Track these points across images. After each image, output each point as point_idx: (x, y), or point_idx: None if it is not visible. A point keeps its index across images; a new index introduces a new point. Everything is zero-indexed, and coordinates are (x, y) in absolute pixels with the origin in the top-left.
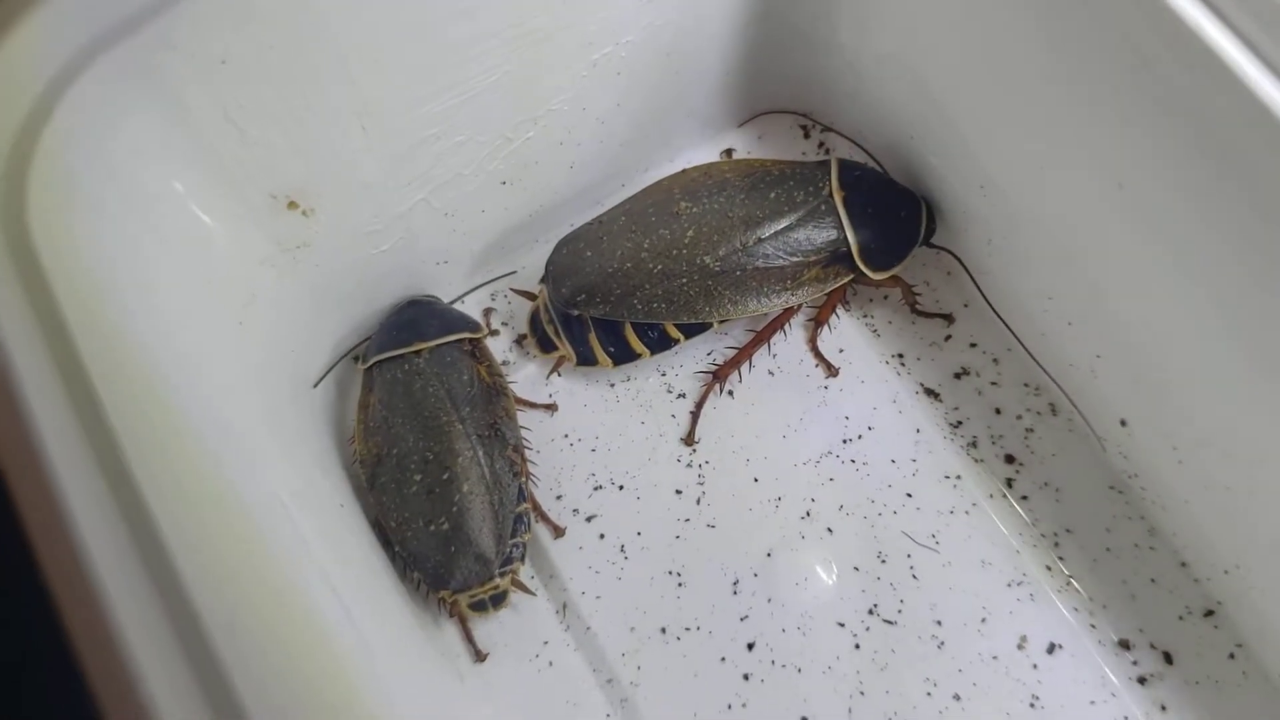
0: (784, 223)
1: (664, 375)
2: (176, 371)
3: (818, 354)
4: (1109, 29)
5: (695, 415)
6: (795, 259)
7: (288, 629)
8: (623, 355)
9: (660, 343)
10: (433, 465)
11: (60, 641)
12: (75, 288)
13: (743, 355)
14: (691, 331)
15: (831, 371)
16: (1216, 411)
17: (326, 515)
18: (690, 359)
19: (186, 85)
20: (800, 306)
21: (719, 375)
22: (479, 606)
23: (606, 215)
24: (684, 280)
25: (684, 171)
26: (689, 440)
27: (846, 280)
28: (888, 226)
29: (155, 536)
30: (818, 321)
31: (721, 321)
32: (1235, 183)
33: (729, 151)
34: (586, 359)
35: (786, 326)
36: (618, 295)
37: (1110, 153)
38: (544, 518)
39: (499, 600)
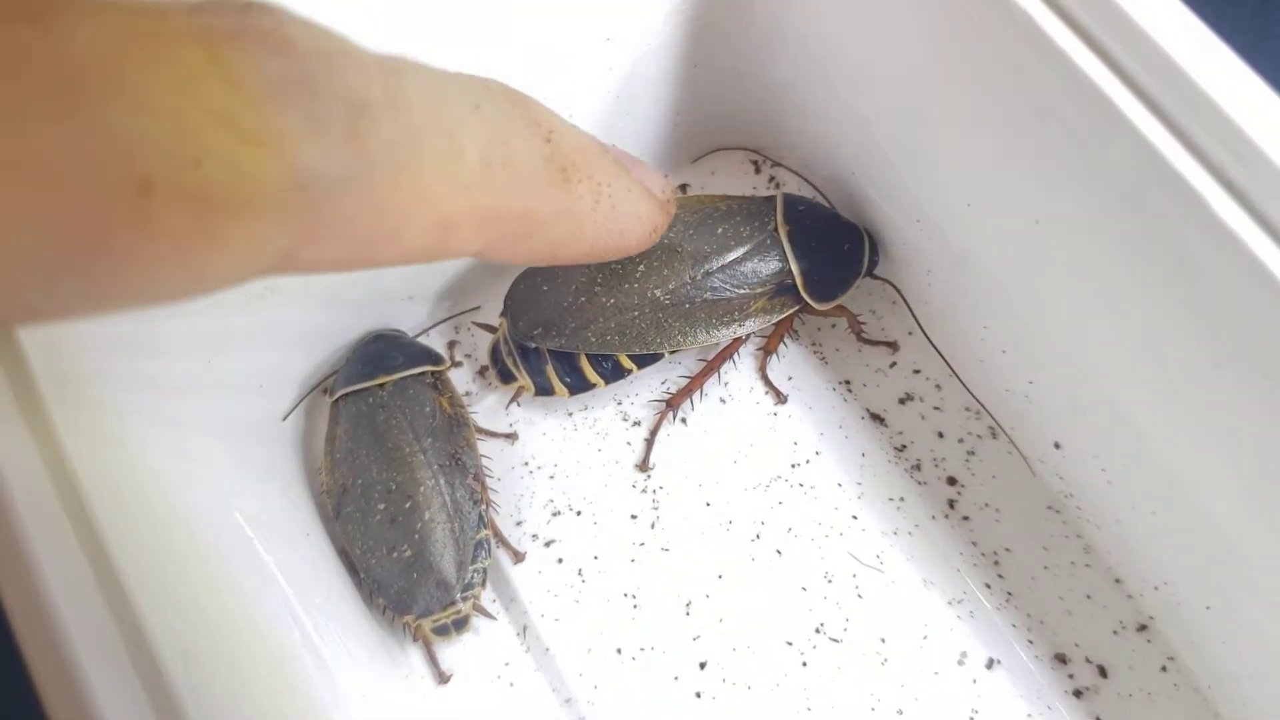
0: (731, 256)
1: (620, 404)
2: (138, 404)
3: (767, 381)
4: (1015, 80)
5: (649, 442)
6: (742, 291)
7: (247, 657)
8: (579, 385)
9: (614, 373)
10: (395, 495)
11: (15, 667)
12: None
13: (694, 384)
14: (644, 362)
15: (780, 398)
16: (1134, 436)
17: (293, 545)
18: (645, 388)
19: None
20: (749, 336)
21: (672, 404)
22: (442, 631)
23: None
24: (635, 313)
25: None
26: (643, 466)
27: (793, 311)
28: (831, 259)
29: (110, 564)
30: (766, 350)
31: (673, 352)
32: (1135, 217)
33: (683, 187)
34: (544, 389)
35: (736, 356)
36: (572, 328)
37: (1024, 192)
38: (504, 543)
39: (461, 624)
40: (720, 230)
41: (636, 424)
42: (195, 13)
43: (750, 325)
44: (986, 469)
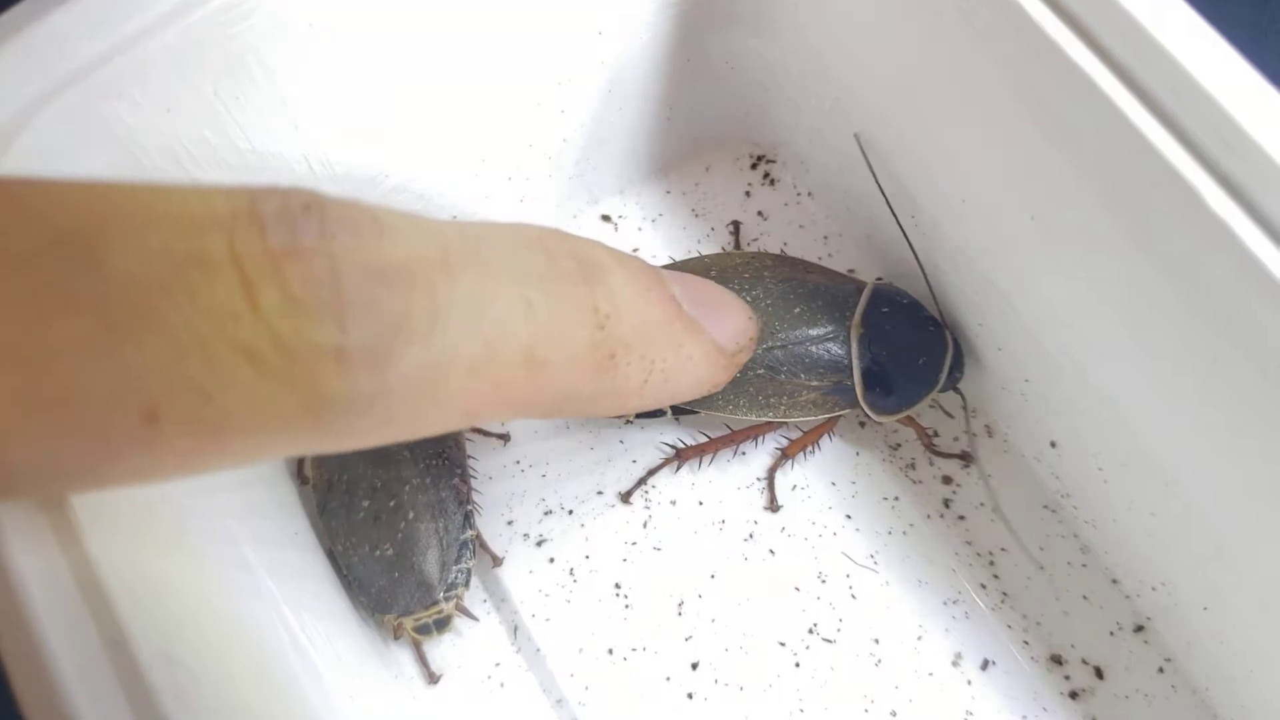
0: (797, 338)
1: None
2: None
3: (771, 484)
4: (1009, 74)
5: (642, 480)
6: (798, 378)
7: (233, 659)
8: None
9: (650, 411)
10: (380, 493)
11: None
12: None
13: (709, 448)
14: (680, 410)
15: (774, 506)
16: (1131, 435)
17: (281, 544)
18: None
19: (134, 133)
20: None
21: (681, 455)
22: (423, 630)
23: None
24: None
25: (728, 254)
26: (626, 498)
27: (841, 414)
28: (901, 371)
29: (89, 564)
30: (785, 453)
31: (707, 412)
32: (1130, 212)
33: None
34: None
35: (762, 438)
36: None
37: (1019, 187)
38: (484, 547)
39: (443, 624)
40: (798, 309)
41: (629, 422)
42: (245, 223)
43: (794, 414)
44: (982, 468)
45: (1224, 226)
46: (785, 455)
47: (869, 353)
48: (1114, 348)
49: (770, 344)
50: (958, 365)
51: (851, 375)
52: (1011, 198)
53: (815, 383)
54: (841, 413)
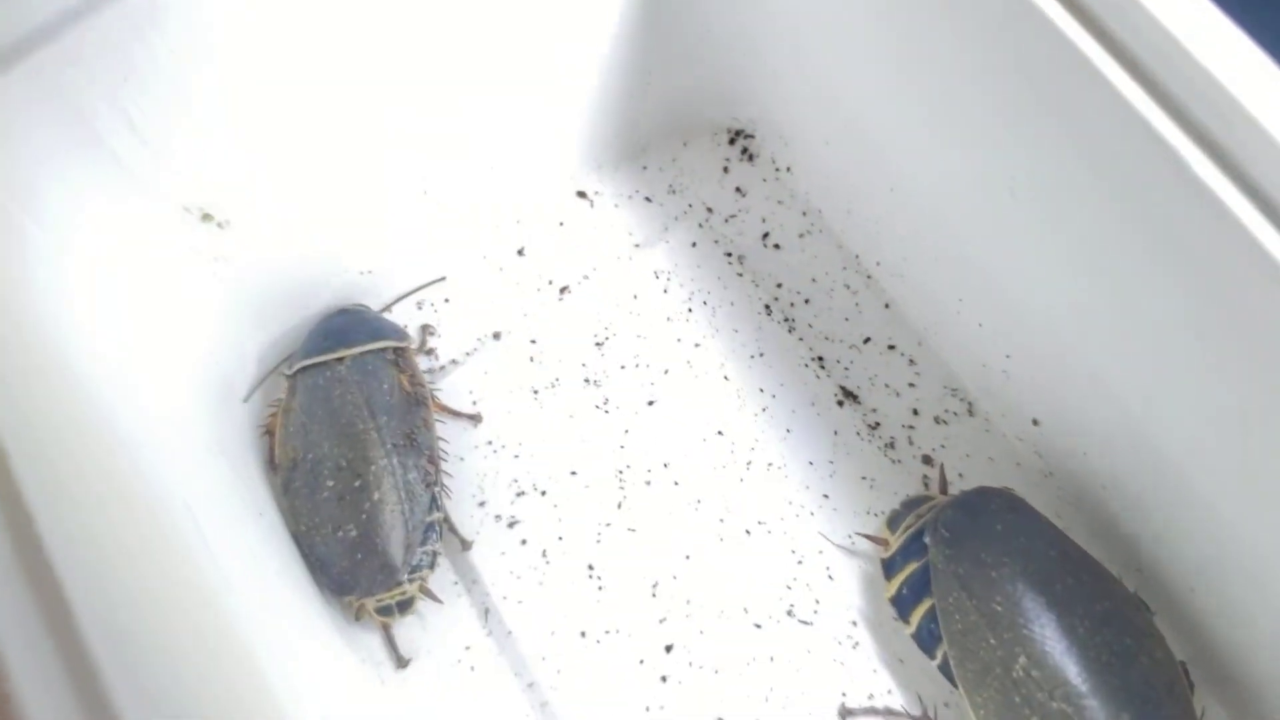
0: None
1: (589, 381)
2: (89, 378)
3: None
4: (995, 42)
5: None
6: None
7: (192, 640)
8: (921, 641)
9: (925, 641)
10: (345, 472)
11: None
12: None
13: None
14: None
15: None
16: (1114, 411)
17: (245, 524)
18: (616, 367)
19: (92, 100)
20: None
21: None
22: (385, 612)
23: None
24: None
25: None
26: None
27: None
28: None
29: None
30: None
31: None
32: (1114, 182)
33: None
34: (899, 604)
35: None
36: (1001, 637)
37: (1001, 160)
38: (453, 530)
39: (406, 606)
40: (1111, 681)
41: (606, 401)
42: None
43: None
44: (962, 447)
45: (1211, 195)
46: None
47: None
48: (1098, 322)
49: (1063, 700)
50: None
51: None
52: (993, 171)
53: None
54: None
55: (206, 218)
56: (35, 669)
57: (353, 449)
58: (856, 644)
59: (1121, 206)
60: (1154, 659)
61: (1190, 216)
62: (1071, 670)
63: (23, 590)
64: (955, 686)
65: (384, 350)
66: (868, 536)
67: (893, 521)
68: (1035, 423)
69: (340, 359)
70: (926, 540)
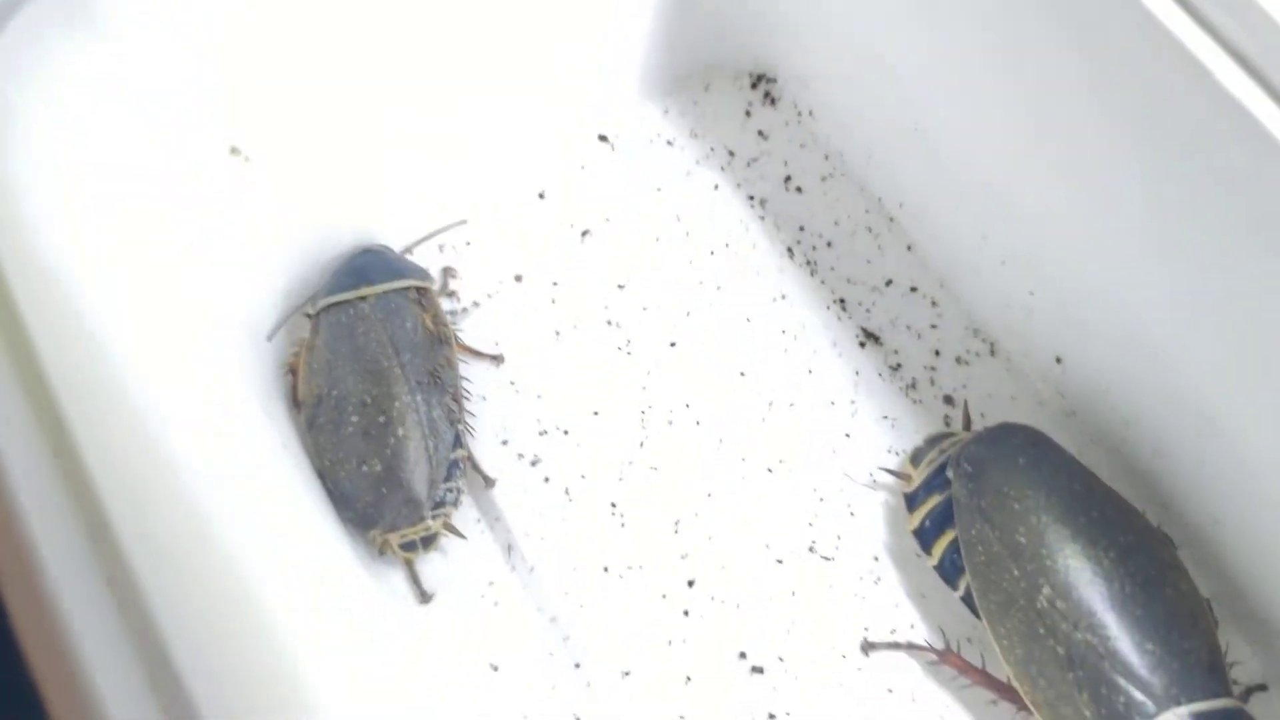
0: (1117, 650)
1: (610, 324)
2: (112, 318)
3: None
4: None
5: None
6: (1078, 694)
7: (217, 577)
8: (944, 572)
9: (948, 573)
10: (370, 408)
11: None
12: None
13: (972, 674)
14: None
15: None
16: (1138, 345)
17: (269, 460)
18: (638, 308)
19: (123, 24)
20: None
21: (944, 658)
22: (409, 547)
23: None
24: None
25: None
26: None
27: None
28: None
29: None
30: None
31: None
32: (1139, 99)
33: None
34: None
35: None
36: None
37: (1029, 92)
38: (475, 467)
39: (429, 542)
40: (1139, 613)
41: (628, 343)
42: None
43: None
44: (984, 387)
45: (1239, 106)
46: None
47: None
48: (1123, 252)
49: (1088, 631)
50: None
51: None
52: (1018, 104)
53: (1088, 715)
54: None
55: (234, 151)
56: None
57: (377, 385)
58: (878, 579)
59: (1146, 124)
60: (1178, 591)
61: (1218, 129)
62: (1096, 601)
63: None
64: (978, 619)
65: (407, 289)
66: (890, 471)
67: (916, 456)
68: (1058, 361)
69: (364, 297)
70: (949, 474)
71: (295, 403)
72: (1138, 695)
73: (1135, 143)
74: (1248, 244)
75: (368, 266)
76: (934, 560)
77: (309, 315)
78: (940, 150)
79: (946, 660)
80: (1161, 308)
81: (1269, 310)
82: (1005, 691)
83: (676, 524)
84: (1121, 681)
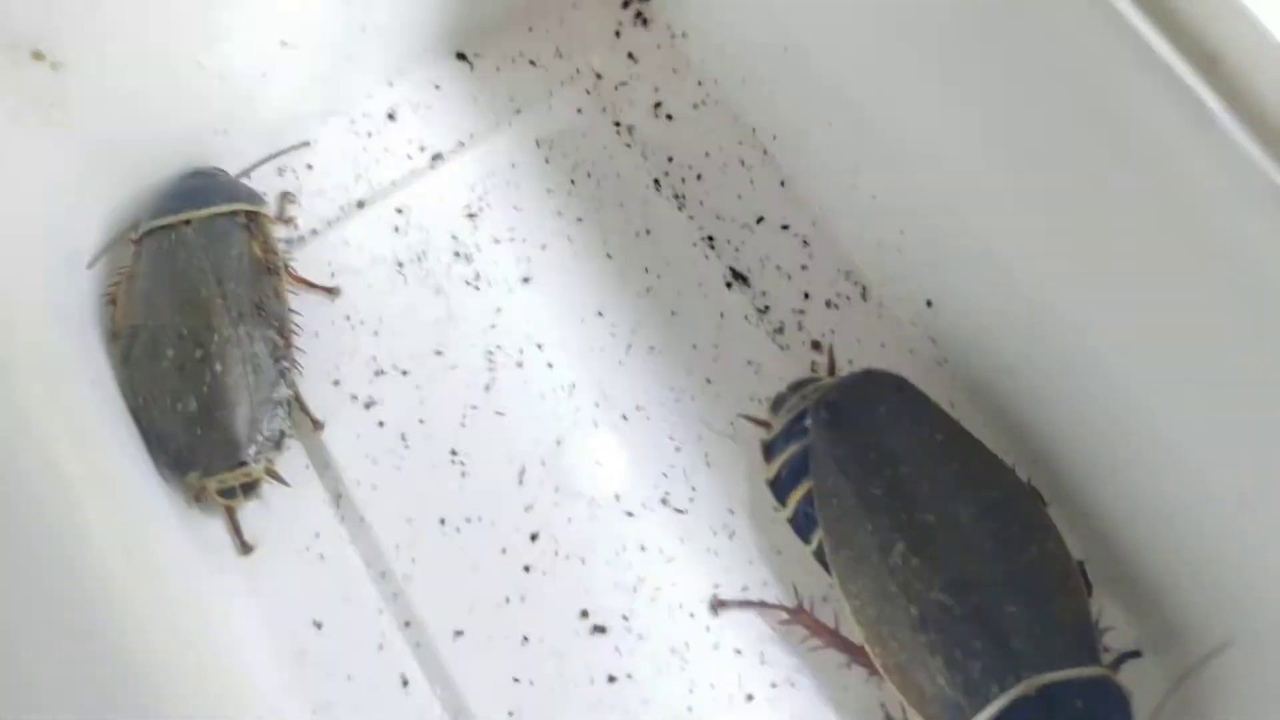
0: (973, 613)
1: (459, 255)
2: None
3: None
4: None
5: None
6: (930, 656)
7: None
8: (799, 526)
9: (802, 527)
10: (187, 341)
11: None
12: None
13: (823, 634)
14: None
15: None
16: (1007, 283)
17: (77, 393)
18: (489, 234)
19: None
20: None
21: (796, 615)
22: (228, 494)
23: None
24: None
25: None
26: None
27: None
28: None
29: None
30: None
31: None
32: (1019, 45)
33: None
34: (777, 487)
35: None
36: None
37: (905, 17)
38: (303, 409)
39: (250, 489)
40: (1004, 569)
41: (477, 277)
42: None
43: (891, 681)
44: (854, 332)
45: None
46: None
47: (1033, 712)
48: (993, 182)
49: (943, 591)
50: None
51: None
52: (892, 28)
53: (941, 682)
54: None
55: (37, 56)
56: None
57: (195, 317)
58: (733, 534)
59: (1033, 72)
60: (1045, 551)
61: (1099, 49)
62: (953, 560)
63: None
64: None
65: (235, 214)
66: (750, 419)
67: (777, 404)
68: (929, 304)
69: (187, 221)
70: (808, 422)
71: (114, 335)
72: (995, 661)
73: (1006, 75)
74: (1116, 177)
75: (194, 189)
76: (787, 513)
77: (132, 240)
78: (815, 75)
79: (798, 620)
80: (1028, 244)
81: (1138, 248)
82: (858, 654)
83: (521, 474)
84: (978, 645)
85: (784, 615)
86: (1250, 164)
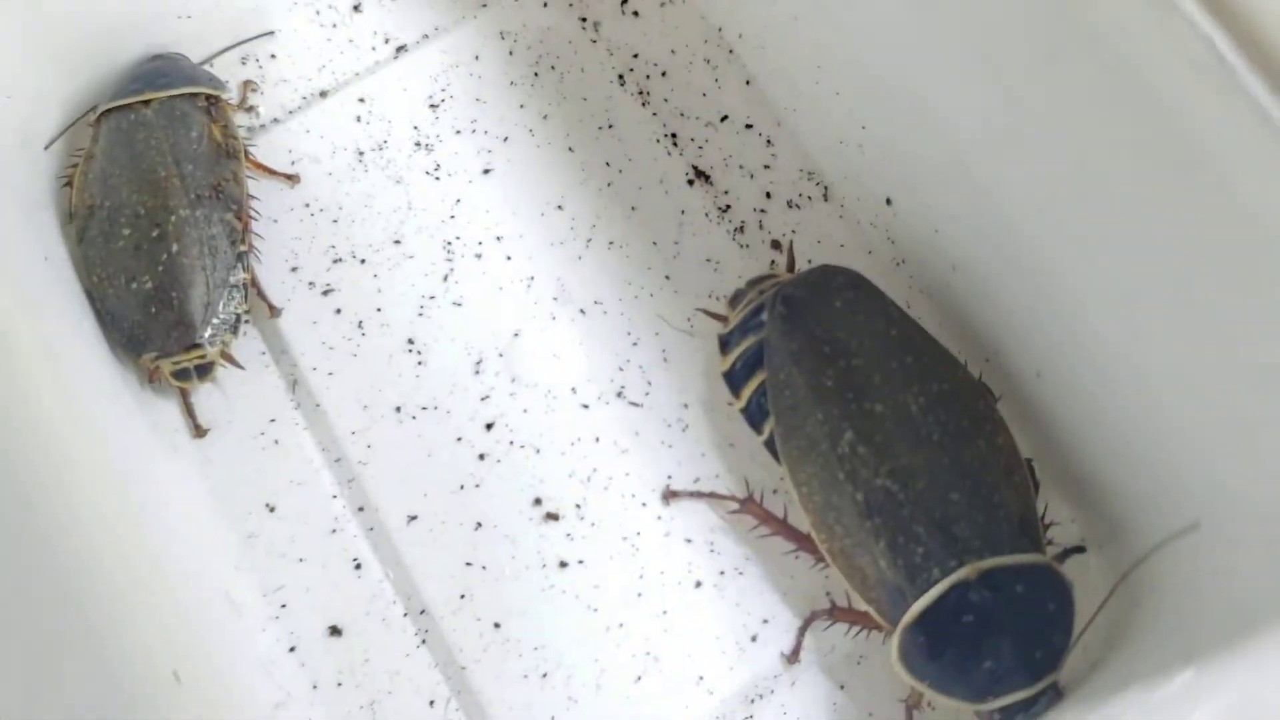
0: (919, 499)
1: (420, 146)
2: None
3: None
4: None
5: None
6: (873, 541)
7: None
8: (751, 416)
9: (754, 417)
10: (143, 221)
11: None
12: None
13: (772, 523)
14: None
15: (794, 659)
16: (964, 179)
17: (28, 271)
18: (457, 148)
19: None
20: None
21: (746, 506)
22: (183, 375)
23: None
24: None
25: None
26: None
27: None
28: (1001, 644)
29: None
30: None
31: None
32: None
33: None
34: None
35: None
36: (827, 414)
37: None
38: (260, 294)
39: (205, 371)
40: (946, 461)
41: (437, 168)
42: None
43: (838, 567)
44: (814, 232)
45: None
46: (831, 615)
47: (974, 595)
48: (952, 87)
49: (889, 478)
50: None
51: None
52: None
53: (884, 566)
54: (872, 626)
55: None
56: None
57: (153, 197)
58: (686, 427)
59: None
60: (993, 444)
61: None
62: (899, 448)
63: None
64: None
65: (196, 97)
66: (707, 313)
67: (735, 299)
68: (888, 203)
69: (147, 102)
70: (764, 316)
71: (70, 215)
72: (937, 546)
73: None
74: (1069, 67)
75: (155, 71)
76: (741, 404)
77: (92, 124)
78: None
79: (747, 509)
80: (985, 144)
81: (1091, 140)
82: (804, 542)
83: (478, 364)
84: (921, 531)
85: (734, 505)
86: (1202, 51)
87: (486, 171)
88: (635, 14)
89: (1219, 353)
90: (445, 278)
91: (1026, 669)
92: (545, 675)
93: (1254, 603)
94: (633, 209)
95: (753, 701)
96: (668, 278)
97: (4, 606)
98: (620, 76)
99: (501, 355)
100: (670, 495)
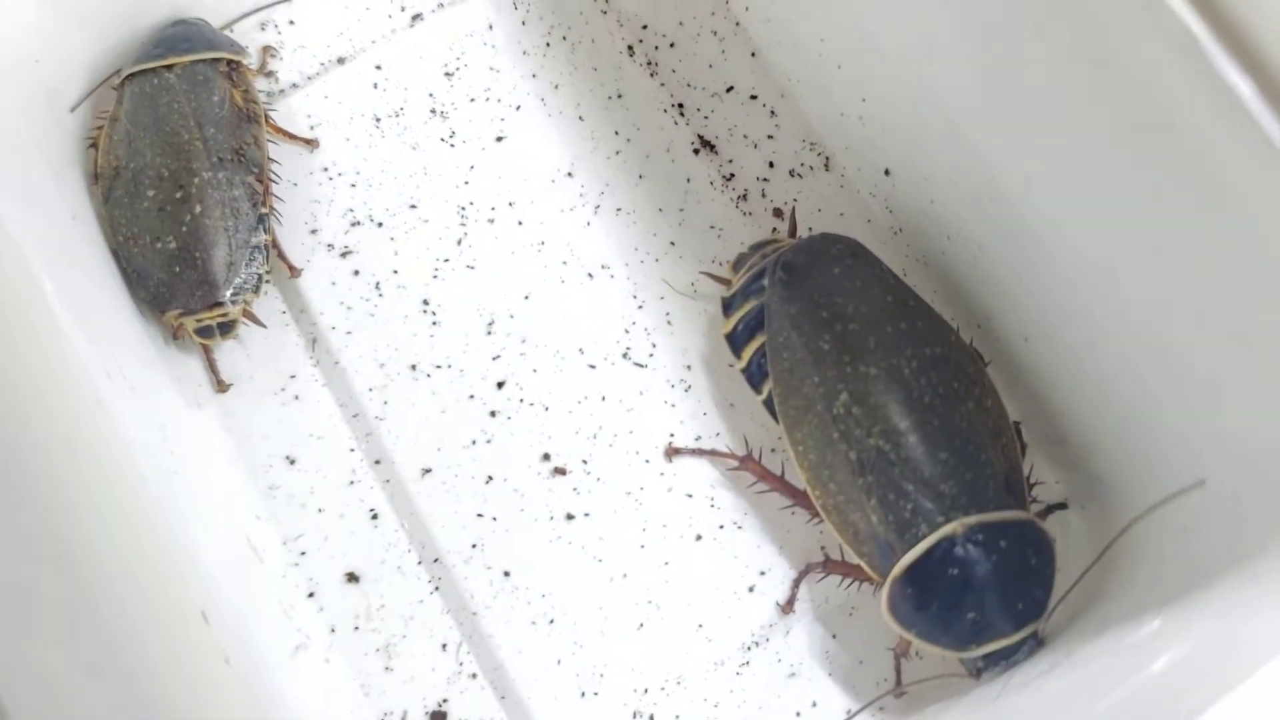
0: (909, 457)
1: (435, 113)
2: None
3: (794, 585)
4: None
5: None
6: (865, 499)
7: None
8: (751, 375)
9: (754, 378)
10: (167, 182)
11: None
12: None
13: (770, 479)
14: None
15: (788, 609)
16: (961, 149)
17: (56, 225)
18: (471, 115)
19: None
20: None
21: (745, 464)
22: (205, 332)
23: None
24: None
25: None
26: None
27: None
28: (987, 597)
29: None
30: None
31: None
32: None
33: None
34: (732, 342)
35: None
36: (823, 375)
37: None
38: (281, 255)
39: (227, 329)
40: (936, 423)
41: (452, 135)
42: None
43: (831, 522)
44: (815, 201)
45: None
46: (824, 568)
47: (959, 549)
48: (953, 59)
49: (881, 438)
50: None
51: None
52: None
53: (875, 521)
54: (864, 579)
55: None
56: None
57: (176, 159)
58: (689, 387)
59: None
60: (981, 406)
61: None
62: (892, 408)
63: None
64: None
65: (218, 61)
66: (711, 275)
67: (738, 262)
68: (887, 173)
69: (170, 66)
70: (765, 280)
71: (95, 177)
72: (926, 502)
73: None
74: (1059, 45)
75: (178, 36)
76: (741, 364)
77: (116, 87)
78: None
79: (746, 466)
80: (979, 114)
81: (1079, 118)
82: (800, 498)
83: (491, 325)
84: (910, 488)
85: (733, 463)
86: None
87: (499, 139)
88: None
89: (1192, 319)
90: (459, 241)
91: (1008, 619)
92: (552, 621)
93: (1213, 559)
94: (640, 177)
95: (749, 649)
96: (673, 243)
97: (51, 543)
98: (630, 47)
99: (513, 317)
100: (672, 452)
